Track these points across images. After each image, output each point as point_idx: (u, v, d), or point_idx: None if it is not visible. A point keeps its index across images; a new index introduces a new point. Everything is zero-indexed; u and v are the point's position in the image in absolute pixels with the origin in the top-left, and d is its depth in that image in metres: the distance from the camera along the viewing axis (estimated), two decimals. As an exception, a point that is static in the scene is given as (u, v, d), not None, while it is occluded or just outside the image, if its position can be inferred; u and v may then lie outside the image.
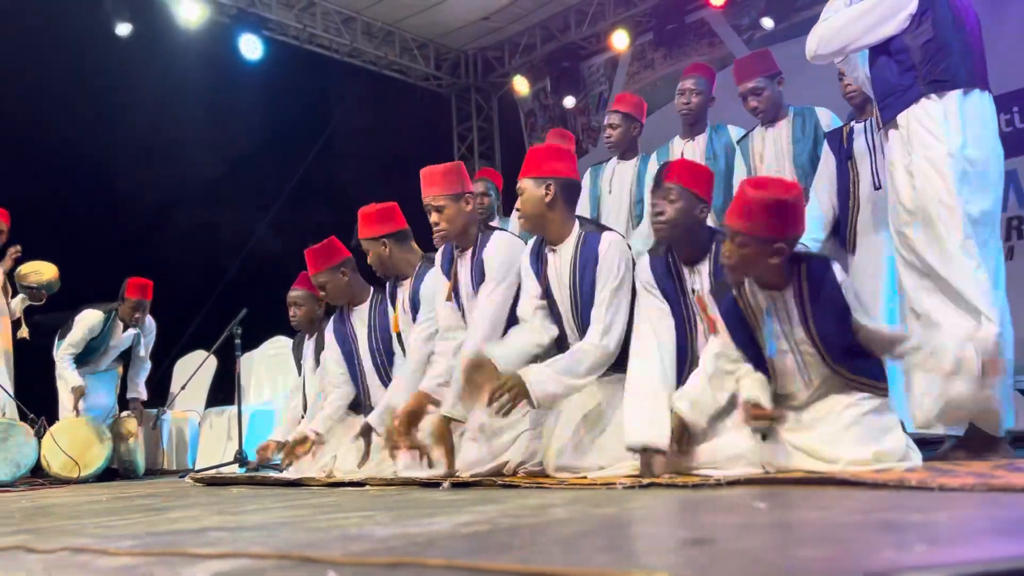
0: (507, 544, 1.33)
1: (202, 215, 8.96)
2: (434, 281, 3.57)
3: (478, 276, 3.31)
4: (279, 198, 9.34)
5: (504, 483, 2.81)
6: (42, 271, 5.76)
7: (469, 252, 3.40)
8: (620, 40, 8.08)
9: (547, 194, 3.05)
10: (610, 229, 3.16)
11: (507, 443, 3.18)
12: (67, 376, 5.51)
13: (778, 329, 2.47)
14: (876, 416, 2.38)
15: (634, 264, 3.03)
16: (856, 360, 2.43)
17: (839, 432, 2.33)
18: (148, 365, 6.13)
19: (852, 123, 3.64)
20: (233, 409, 6.23)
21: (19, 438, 5.11)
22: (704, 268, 2.83)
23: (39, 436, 5.20)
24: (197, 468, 6.07)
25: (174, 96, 8.06)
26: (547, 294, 3.12)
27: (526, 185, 3.10)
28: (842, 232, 3.58)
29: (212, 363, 6.53)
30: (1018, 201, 5.80)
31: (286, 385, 6.40)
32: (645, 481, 2.42)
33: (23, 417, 5.31)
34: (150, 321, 6.06)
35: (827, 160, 3.63)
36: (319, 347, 4.36)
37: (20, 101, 7.52)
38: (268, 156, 9.09)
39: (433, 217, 3.39)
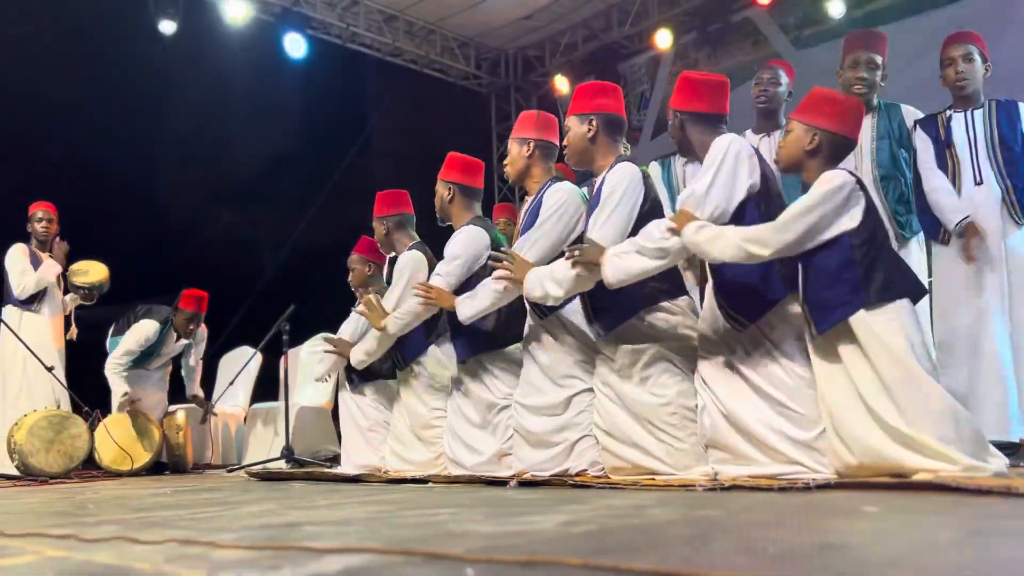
0: (631, 544, 1.31)
1: (243, 213, 9.03)
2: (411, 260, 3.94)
3: (532, 221, 3.29)
4: (319, 197, 9.38)
5: (575, 483, 2.78)
6: (93, 271, 5.80)
7: (529, 201, 3.43)
8: (663, 39, 8.03)
9: (590, 129, 3.08)
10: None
11: (566, 449, 3.15)
12: (116, 387, 5.54)
13: None
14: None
15: (646, 184, 3.01)
16: None
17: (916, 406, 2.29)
18: (199, 369, 6.18)
19: (950, 111, 3.55)
20: (277, 405, 6.27)
21: (73, 430, 5.16)
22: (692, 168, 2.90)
23: (92, 429, 5.25)
24: (244, 463, 6.11)
25: (218, 94, 8.12)
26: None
27: (571, 123, 3.15)
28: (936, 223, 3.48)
29: (256, 359, 6.56)
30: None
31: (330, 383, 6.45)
32: (727, 484, 2.39)
33: (77, 410, 5.36)
34: (202, 330, 6.11)
35: (925, 146, 3.54)
36: None
37: (62, 99, 7.62)
38: (308, 154, 9.15)
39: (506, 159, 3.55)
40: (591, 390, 3.13)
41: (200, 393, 6.14)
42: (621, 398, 2.91)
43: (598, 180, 3.08)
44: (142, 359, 5.72)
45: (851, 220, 2.46)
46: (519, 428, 3.27)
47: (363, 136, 9.47)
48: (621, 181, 2.95)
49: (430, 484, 3.27)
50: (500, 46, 9.25)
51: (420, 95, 9.33)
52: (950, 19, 6.31)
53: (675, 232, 2.60)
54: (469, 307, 3.31)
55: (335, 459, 6.17)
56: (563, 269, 2.91)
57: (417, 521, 1.82)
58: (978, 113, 3.48)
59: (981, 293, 3.31)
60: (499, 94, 9.65)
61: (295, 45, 7.81)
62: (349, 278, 4.59)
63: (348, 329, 4.44)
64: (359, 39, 8.43)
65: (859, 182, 2.54)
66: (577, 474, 3.08)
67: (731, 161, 2.65)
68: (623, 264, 2.70)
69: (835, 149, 2.63)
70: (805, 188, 2.64)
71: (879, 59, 3.66)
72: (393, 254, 4.23)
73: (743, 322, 2.66)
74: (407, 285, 3.80)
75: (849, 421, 2.40)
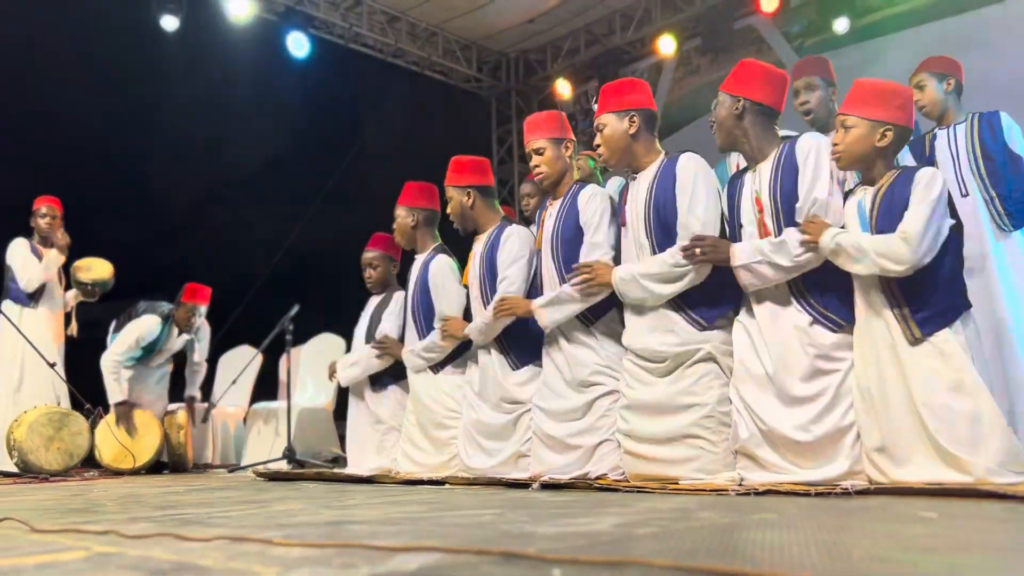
0: (705, 547, 1.29)
1: (241, 211, 8.98)
2: (450, 269, 3.90)
3: (570, 226, 3.26)
4: (317, 196, 9.34)
5: (600, 486, 2.76)
6: (97, 268, 5.74)
7: (559, 202, 3.36)
8: (667, 45, 8.04)
9: (631, 125, 3.05)
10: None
11: (586, 453, 3.13)
12: (112, 390, 5.45)
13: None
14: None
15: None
16: None
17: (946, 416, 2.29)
18: (203, 367, 6.12)
19: (935, 130, 3.58)
20: (278, 405, 6.22)
21: (73, 427, 5.09)
22: (766, 165, 2.80)
23: (93, 426, 5.19)
24: (243, 463, 6.05)
25: (220, 92, 8.08)
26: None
27: (607, 120, 3.09)
28: None
29: (257, 359, 6.51)
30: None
31: (327, 382, 6.40)
32: (761, 488, 2.37)
33: (78, 407, 5.29)
34: (205, 326, 6.05)
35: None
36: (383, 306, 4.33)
37: (63, 95, 7.55)
38: (307, 154, 9.12)
39: (533, 161, 3.41)
40: (612, 393, 3.12)
41: (198, 395, 6.07)
42: (652, 402, 2.89)
43: (649, 173, 3.03)
44: (144, 356, 5.66)
45: (950, 220, 2.46)
46: (538, 431, 3.25)
47: (362, 137, 9.44)
48: (699, 168, 2.94)
49: (447, 485, 3.23)
50: (502, 49, 9.24)
51: (421, 97, 9.31)
52: (945, 32, 6.38)
53: (810, 245, 2.57)
54: (552, 313, 3.20)
55: (335, 460, 6.14)
56: (668, 268, 2.86)
57: (464, 522, 1.80)
58: (960, 128, 3.52)
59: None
60: (500, 98, 9.64)
61: (298, 44, 7.77)
62: (368, 276, 4.44)
63: (361, 333, 4.38)
64: (361, 40, 8.40)
65: None
66: (597, 478, 3.05)
67: (832, 161, 2.66)
68: (761, 272, 2.68)
69: (901, 143, 2.61)
70: (868, 182, 2.64)
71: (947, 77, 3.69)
72: (411, 248, 4.14)
73: (840, 323, 2.62)
74: (458, 292, 3.81)
75: (896, 432, 2.39)
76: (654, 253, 2.95)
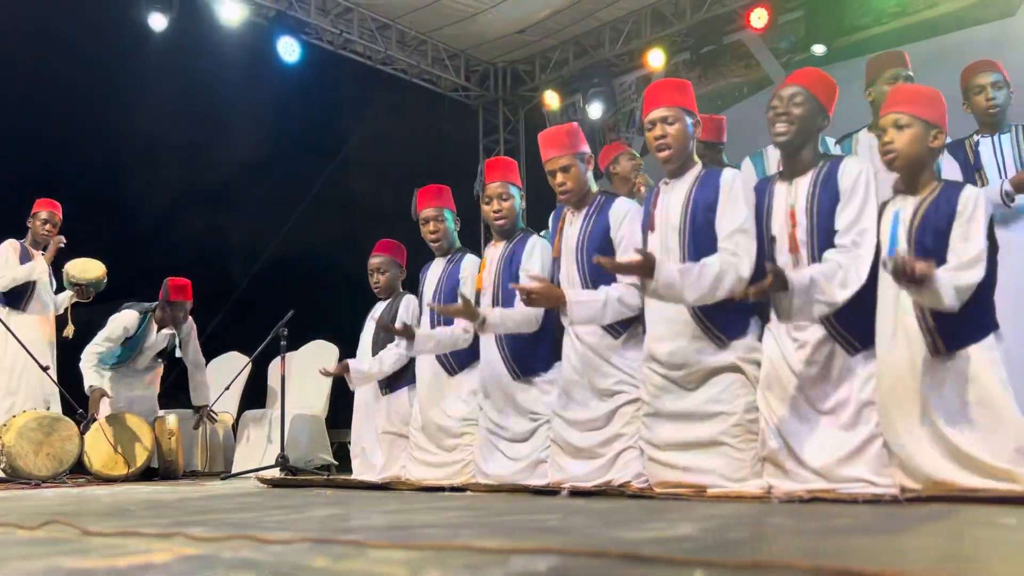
0: (813, 550, 1.30)
1: (226, 216, 8.88)
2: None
3: (597, 236, 3.24)
4: (302, 202, 9.27)
5: (632, 493, 2.76)
6: (90, 268, 5.63)
7: (584, 212, 3.34)
8: (656, 59, 8.11)
9: (696, 126, 3.00)
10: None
11: (609, 460, 3.13)
12: (86, 375, 5.36)
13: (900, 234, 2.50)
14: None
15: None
16: None
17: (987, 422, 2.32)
18: (201, 366, 5.97)
19: (976, 136, 3.63)
20: (268, 412, 6.14)
21: (63, 432, 4.97)
22: (803, 180, 2.76)
23: (84, 432, 5.07)
24: (233, 471, 5.96)
25: (209, 96, 8.01)
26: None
27: (670, 114, 2.94)
28: None
29: (247, 366, 6.42)
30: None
31: (318, 389, 6.34)
32: (806, 496, 2.39)
33: (70, 412, 5.17)
34: (189, 322, 5.95)
35: (952, 168, 3.60)
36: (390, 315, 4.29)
37: (47, 97, 7.42)
38: (293, 159, 9.05)
39: (558, 178, 3.33)
40: (635, 401, 3.12)
41: (207, 401, 5.92)
42: (677, 411, 2.90)
43: (692, 177, 2.99)
44: (125, 354, 5.56)
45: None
46: (559, 439, 3.24)
47: (349, 143, 9.39)
48: (744, 180, 2.96)
49: (468, 492, 3.21)
50: (490, 59, 9.25)
51: (408, 105, 9.29)
52: (939, 49, 6.51)
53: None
54: (585, 311, 3.07)
55: (326, 468, 6.07)
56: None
57: (535, 525, 1.78)
58: (1005, 137, 3.58)
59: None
60: (487, 107, 9.65)
61: (289, 49, 7.71)
62: (375, 281, 4.39)
63: (368, 340, 4.35)
64: (351, 46, 8.37)
65: None
66: (621, 485, 3.05)
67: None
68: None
69: (942, 151, 2.62)
70: (910, 190, 2.60)
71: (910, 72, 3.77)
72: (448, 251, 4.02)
73: (856, 346, 2.61)
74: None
75: (914, 442, 2.42)
76: (684, 259, 2.93)
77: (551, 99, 8.92)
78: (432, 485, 3.53)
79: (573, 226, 3.35)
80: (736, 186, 2.88)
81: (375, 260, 4.38)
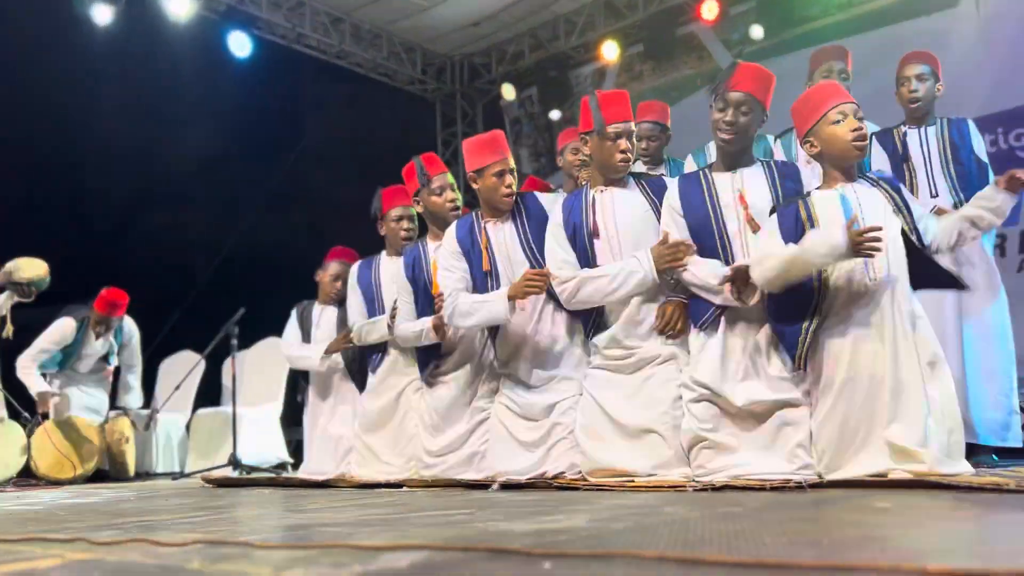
0: (682, 539, 1.34)
1: (179, 214, 8.79)
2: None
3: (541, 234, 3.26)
4: (258, 199, 9.21)
5: (559, 485, 2.80)
6: (31, 267, 5.56)
7: (507, 217, 3.36)
8: (610, 51, 8.15)
9: (763, 119, 3.02)
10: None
11: (544, 452, 3.17)
12: (28, 382, 5.33)
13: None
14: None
15: None
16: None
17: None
18: (134, 369, 5.96)
19: (904, 127, 3.70)
20: (221, 411, 6.11)
21: (8, 437, 4.94)
22: (748, 171, 2.90)
23: (30, 435, 5.04)
24: (187, 471, 5.95)
25: (158, 92, 7.91)
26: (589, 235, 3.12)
27: (744, 101, 2.90)
28: None
29: (199, 365, 6.39)
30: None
31: (273, 387, 6.33)
32: (718, 484, 2.45)
33: (15, 416, 5.13)
34: (130, 328, 5.93)
35: (880, 160, 3.67)
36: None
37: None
38: (248, 156, 8.96)
39: (508, 179, 3.31)
40: (576, 395, 3.16)
41: (130, 405, 5.91)
42: (615, 399, 2.95)
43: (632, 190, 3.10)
44: (64, 360, 5.53)
45: None
46: (496, 431, 3.27)
47: (305, 138, 9.34)
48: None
49: (405, 488, 3.24)
50: (447, 52, 9.25)
51: (365, 99, 9.25)
52: (884, 41, 6.61)
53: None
54: (590, 295, 3.04)
55: (281, 467, 6.07)
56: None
57: (437, 521, 1.82)
58: (931, 130, 3.64)
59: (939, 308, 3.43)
60: (445, 100, 9.65)
61: (240, 44, 7.66)
62: (335, 291, 4.39)
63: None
64: (304, 40, 8.33)
65: None
66: (555, 476, 3.10)
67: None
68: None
69: None
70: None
71: (847, 67, 3.85)
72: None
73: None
74: None
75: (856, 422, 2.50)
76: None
77: (508, 91, 8.94)
78: (370, 482, 3.55)
79: (503, 232, 3.35)
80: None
81: (335, 268, 4.40)
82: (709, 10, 7.49)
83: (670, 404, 2.87)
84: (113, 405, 5.94)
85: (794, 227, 2.64)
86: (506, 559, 1.19)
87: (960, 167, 3.54)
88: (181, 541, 1.55)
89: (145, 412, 5.95)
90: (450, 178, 3.72)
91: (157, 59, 7.70)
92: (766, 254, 2.62)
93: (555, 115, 8.74)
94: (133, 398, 5.93)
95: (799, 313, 2.62)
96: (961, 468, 2.39)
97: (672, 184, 3.04)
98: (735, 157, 2.93)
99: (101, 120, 7.92)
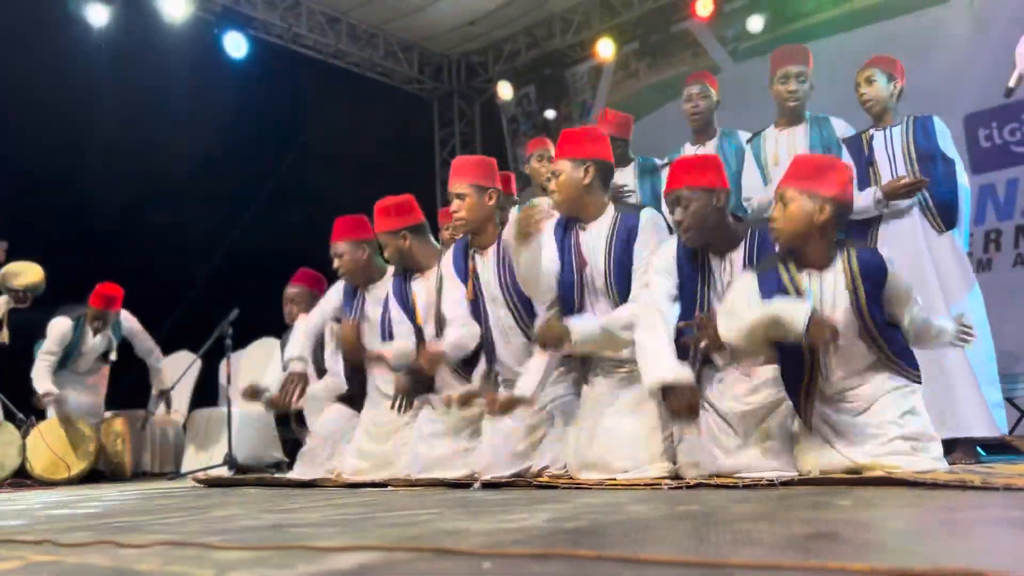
0: (631, 538, 1.35)
1: (177, 214, 8.80)
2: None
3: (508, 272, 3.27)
4: (256, 199, 9.24)
5: (539, 483, 2.82)
6: (28, 273, 5.60)
7: (491, 250, 3.36)
8: (605, 48, 8.16)
9: (585, 176, 3.05)
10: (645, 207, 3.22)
11: (528, 448, 3.19)
12: (36, 384, 5.37)
13: (818, 309, 2.44)
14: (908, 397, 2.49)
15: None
16: (893, 344, 2.51)
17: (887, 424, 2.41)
18: (153, 352, 6.02)
19: (871, 130, 3.70)
20: (217, 410, 6.15)
21: (4, 438, 4.98)
22: (736, 256, 2.82)
23: (25, 436, 5.07)
24: (184, 471, 5.98)
25: (154, 93, 7.93)
26: (574, 269, 3.11)
27: (564, 167, 3.07)
28: (864, 238, 3.60)
29: (196, 364, 6.42)
30: (996, 214, 5.98)
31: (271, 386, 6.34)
32: (692, 482, 2.46)
33: (10, 416, 5.17)
34: (128, 321, 5.96)
35: (850, 164, 3.67)
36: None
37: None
38: (246, 156, 8.98)
39: (453, 205, 3.34)
40: (563, 396, 3.19)
41: (165, 385, 5.96)
42: (599, 399, 2.98)
43: (603, 225, 3.09)
44: (64, 359, 5.57)
45: None
46: (486, 426, 3.29)
47: (302, 139, 9.36)
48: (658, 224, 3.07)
49: (389, 488, 3.26)
50: (444, 51, 9.26)
51: (362, 98, 9.26)
52: (878, 37, 6.60)
53: None
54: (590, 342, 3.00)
55: (277, 466, 6.09)
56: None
57: (402, 521, 1.83)
58: (896, 130, 3.64)
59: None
60: (442, 99, 9.66)
61: (236, 45, 7.69)
62: (289, 313, 4.41)
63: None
64: (301, 40, 8.35)
65: None
66: (539, 472, 3.12)
67: None
68: None
69: (841, 221, 2.55)
70: (800, 263, 2.57)
71: (807, 70, 3.84)
72: (414, 268, 3.76)
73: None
74: None
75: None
76: (617, 302, 3.01)
77: (505, 90, 8.95)
78: (356, 481, 3.56)
79: (487, 268, 3.35)
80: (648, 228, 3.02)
81: (292, 291, 4.59)
82: (704, 7, 7.50)
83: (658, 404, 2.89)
84: (135, 405, 5.99)
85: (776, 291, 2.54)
86: (450, 559, 1.21)
87: (925, 165, 3.54)
88: (144, 543, 1.57)
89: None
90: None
91: (153, 60, 7.72)
92: (733, 311, 2.54)
93: (551, 114, 8.75)
94: (165, 379, 5.98)
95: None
96: (933, 465, 2.40)
97: (667, 249, 2.96)
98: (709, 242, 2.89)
99: (96, 121, 7.94)
